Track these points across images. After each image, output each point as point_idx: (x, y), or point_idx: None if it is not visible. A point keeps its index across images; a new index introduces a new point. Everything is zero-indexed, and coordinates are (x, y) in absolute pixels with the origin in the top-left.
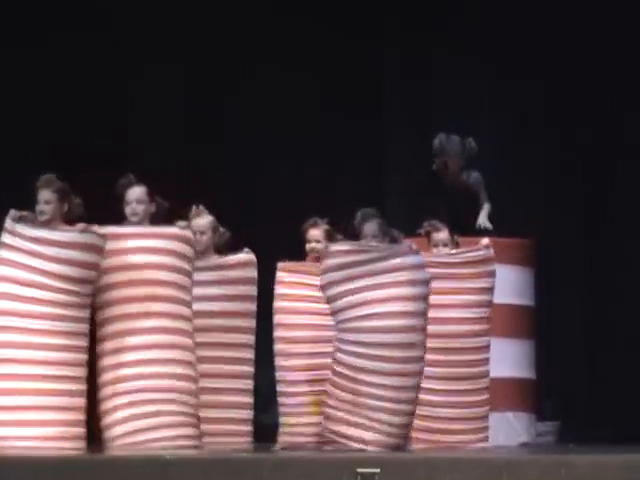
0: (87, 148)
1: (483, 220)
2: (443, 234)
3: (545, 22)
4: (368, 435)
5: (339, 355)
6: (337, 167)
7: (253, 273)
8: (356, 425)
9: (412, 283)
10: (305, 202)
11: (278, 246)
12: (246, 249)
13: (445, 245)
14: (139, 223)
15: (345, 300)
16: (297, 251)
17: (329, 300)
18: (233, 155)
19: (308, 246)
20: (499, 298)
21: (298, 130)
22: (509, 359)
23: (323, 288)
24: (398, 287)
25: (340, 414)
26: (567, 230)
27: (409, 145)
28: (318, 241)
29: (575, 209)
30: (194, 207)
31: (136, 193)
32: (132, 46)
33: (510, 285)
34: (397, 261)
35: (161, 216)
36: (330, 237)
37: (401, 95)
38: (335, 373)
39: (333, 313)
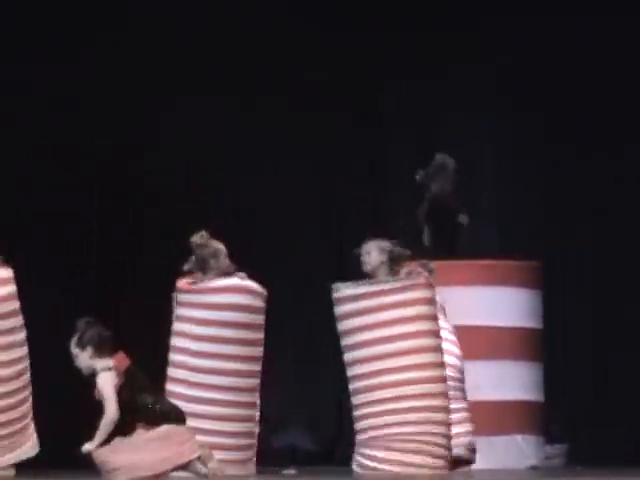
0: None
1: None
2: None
3: (548, 37)
4: None
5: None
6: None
7: (247, 300)
8: None
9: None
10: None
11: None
12: (241, 274)
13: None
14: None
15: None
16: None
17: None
18: (234, 156)
19: None
20: (507, 321)
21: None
22: (517, 382)
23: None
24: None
25: None
26: (574, 251)
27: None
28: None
29: (582, 230)
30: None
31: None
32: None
33: (518, 307)
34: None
35: None
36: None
37: (401, 100)
38: None
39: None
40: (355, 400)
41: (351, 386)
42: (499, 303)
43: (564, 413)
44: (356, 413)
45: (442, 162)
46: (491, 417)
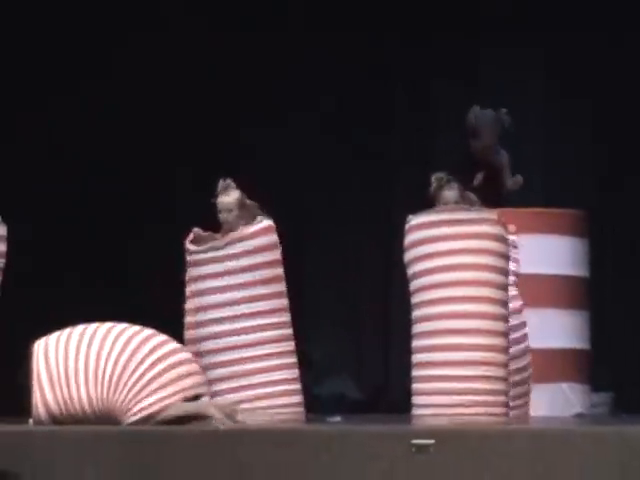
0: None
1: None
2: (453, 192)
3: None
4: None
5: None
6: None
7: (274, 238)
8: None
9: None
10: None
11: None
12: (259, 217)
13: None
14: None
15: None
16: None
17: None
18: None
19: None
20: (553, 269)
21: None
22: (563, 330)
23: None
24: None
25: None
26: (621, 200)
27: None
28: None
29: (629, 180)
30: (221, 181)
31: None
32: None
33: (564, 256)
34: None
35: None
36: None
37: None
38: None
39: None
40: (412, 329)
41: (412, 314)
42: (544, 251)
43: (610, 361)
44: (412, 344)
45: (473, 120)
46: (536, 365)
